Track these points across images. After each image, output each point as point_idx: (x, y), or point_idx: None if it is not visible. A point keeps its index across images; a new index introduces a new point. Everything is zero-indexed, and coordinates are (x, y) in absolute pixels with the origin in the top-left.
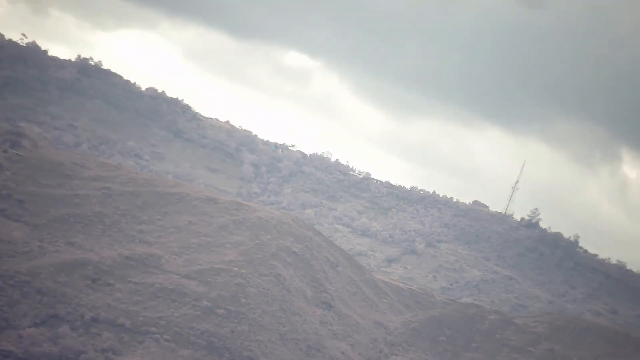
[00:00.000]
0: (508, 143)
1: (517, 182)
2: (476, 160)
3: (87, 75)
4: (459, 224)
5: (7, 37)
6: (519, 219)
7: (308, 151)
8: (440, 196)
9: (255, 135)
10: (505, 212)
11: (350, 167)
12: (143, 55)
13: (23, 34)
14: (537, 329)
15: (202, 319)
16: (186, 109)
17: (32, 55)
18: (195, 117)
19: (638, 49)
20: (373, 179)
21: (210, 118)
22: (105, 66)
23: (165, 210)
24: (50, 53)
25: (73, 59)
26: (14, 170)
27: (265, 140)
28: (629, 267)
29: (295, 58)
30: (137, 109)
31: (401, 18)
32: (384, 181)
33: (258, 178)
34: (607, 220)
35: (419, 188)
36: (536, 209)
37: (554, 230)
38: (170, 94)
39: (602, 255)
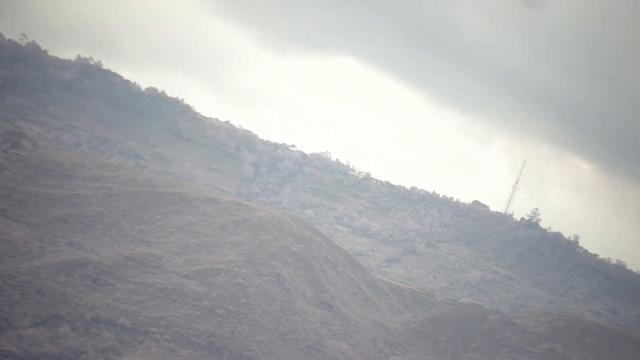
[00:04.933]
0: None
1: (517, 182)
2: None
3: (87, 75)
4: (459, 224)
5: (7, 37)
6: (519, 219)
7: (308, 151)
8: (440, 196)
9: (256, 135)
10: (505, 212)
11: (351, 167)
12: None
13: (23, 34)
14: (537, 329)
15: (202, 319)
16: (186, 109)
17: (32, 55)
18: (195, 117)
19: None
20: (373, 179)
21: (210, 118)
22: (105, 66)
23: (165, 210)
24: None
25: (73, 59)
26: (14, 170)
27: (265, 140)
28: (629, 267)
29: None
30: (137, 109)
31: None
32: (384, 181)
33: (258, 178)
34: None
35: (419, 188)
36: (536, 209)
37: (554, 230)
38: (170, 94)
39: (602, 255)
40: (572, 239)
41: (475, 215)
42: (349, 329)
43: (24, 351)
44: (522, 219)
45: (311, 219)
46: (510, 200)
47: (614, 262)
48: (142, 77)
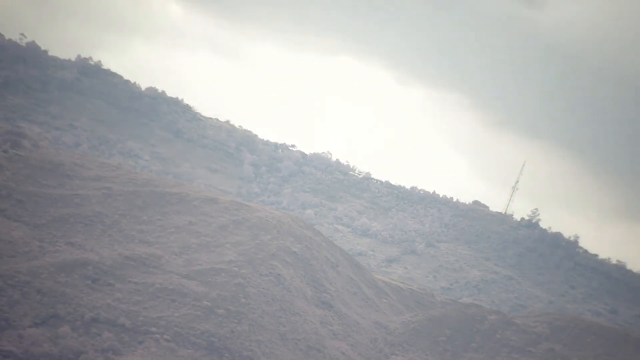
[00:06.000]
0: None
1: (517, 182)
2: None
3: (87, 75)
4: (459, 224)
5: (7, 37)
6: (519, 219)
7: (308, 151)
8: (440, 196)
9: (256, 135)
10: (505, 212)
11: (351, 167)
12: None
13: (22, 34)
14: (537, 329)
15: (202, 319)
16: (186, 109)
17: (32, 55)
18: (195, 117)
19: None
20: (373, 179)
21: (210, 118)
22: (105, 66)
23: (165, 210)
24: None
25: (73, 59)
26: (14, 170)
27: (265, 140)
28: (629, 267)
29: None
30: (137, 109)
31: None
32: (384, 181)
33: (258, 178)
34: None
35: (419, 188)
36: (536, 209)
37: (554, 230)
38: (170, 93)
39: (602, 255)
40: (572, 239)
41: (475, 215)
42: (349, 329)
43: (24, 351)
44: (522, 219)
45: (311, 219)
46: (510, 200)
47: (614, 262)
48: None
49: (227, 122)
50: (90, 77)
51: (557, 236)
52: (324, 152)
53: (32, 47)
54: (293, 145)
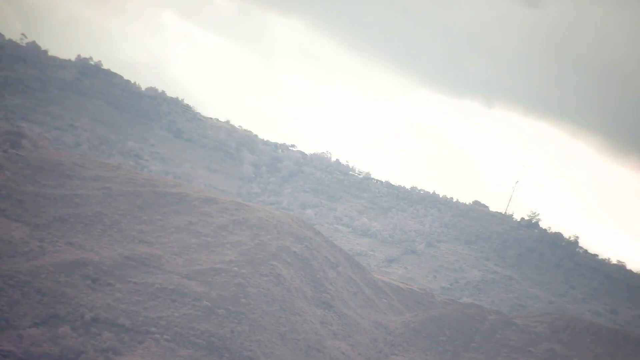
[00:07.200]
0: None
1: (517, 182)
2: None
3: (87, 75)
4: (459, 224)
5: (7, 37)
6: (519, 219)
7: (308, 151)
8: (440, 196)
9: (256, 135)
10: (505, 212)
11: (350, 167)
12: None
13: (23, 34)
14: (537, 329)
15: (202, 319)
16: (186, 109)
17: (32, 55)
18: (195, 117)
19: None
20: (373, 179)
21: (210, 118)
22: (105, 66)
23: (165, 210)
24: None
25: (73, 59)
26: (14, 170)
27: (265, 140)
28: (629, 267)
29: None
30: (137, 109)
31: None
32: (384, 181)
33: (258, 178)
34: None
35: (419, 188)
36: (536, 209)
37: (554, 230)
38: (170, 93)
39: (602, 255)
40: (572, 239)
41: (475, 215)
42: (349, 329)
43: (24, 351)
44: (522, 219)
45: (311, 219)
46: (510, 200)
47: (614, 262)
48: None
49: (227, 122)
50: (90, 77)
51: (557, 236)
52: (324, 152)
53: (32, 47)
54: (293, 145)
